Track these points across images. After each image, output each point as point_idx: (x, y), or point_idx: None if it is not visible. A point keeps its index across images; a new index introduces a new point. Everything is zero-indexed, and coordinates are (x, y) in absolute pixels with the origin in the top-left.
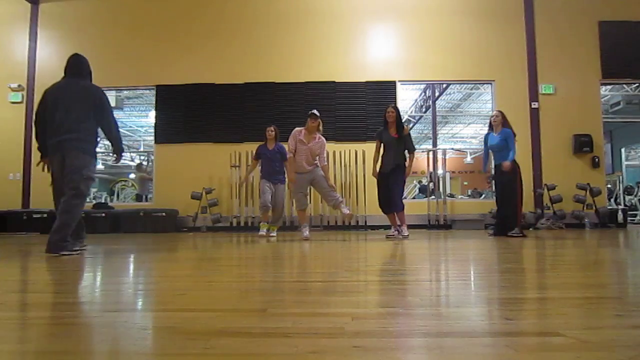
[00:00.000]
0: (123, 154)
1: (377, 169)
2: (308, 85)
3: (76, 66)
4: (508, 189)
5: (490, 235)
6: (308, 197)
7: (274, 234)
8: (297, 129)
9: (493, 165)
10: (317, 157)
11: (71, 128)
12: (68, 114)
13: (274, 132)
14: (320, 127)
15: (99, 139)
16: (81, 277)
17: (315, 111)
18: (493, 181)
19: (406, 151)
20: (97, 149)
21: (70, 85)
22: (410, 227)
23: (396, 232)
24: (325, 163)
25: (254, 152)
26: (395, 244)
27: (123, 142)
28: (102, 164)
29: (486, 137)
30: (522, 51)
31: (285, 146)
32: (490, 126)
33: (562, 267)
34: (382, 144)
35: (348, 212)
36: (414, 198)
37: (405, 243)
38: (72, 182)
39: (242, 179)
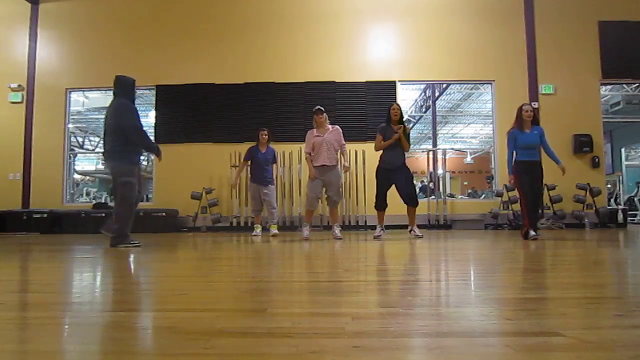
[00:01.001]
0: (159, 152)
1: (381, 162)
2: (308, 85)
3: (115, 86)
4: (541, 190)
5: (534, 238)
6: (319, 200)
7: (276, 232)
8: (309, 130)
9: (513, 162)
10: (341, 147)
11: (107, 141)
12: (106, 129)
13: (267, 136)
14: (327, 120)
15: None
16: (81, 277)
17: (319, 107)
18: (513, 179)
19: None
20: (97, 149)
21: (110, 104)
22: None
23: (382, 231)
24: (346, 150)
25: (244, 152)
26: (394, 243)
27: (149, 142)
28: (102, 163)
29: (515, 135)
30: (522, 51)
31: (274, 149)
32: (520, 123)
33: (562, 267)
34: (383, 138)
35: (339, 236)
36: None
37: (405, 243)
38: (115, 188)
39: (234, 181)
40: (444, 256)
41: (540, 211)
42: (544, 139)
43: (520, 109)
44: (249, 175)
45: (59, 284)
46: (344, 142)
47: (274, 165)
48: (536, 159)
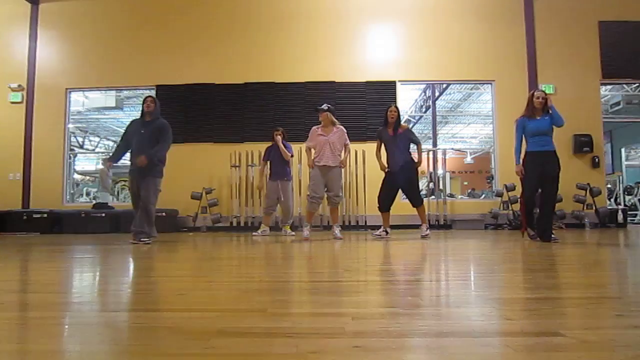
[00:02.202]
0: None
1: (385, 165)
2: (308, 85)
3: None
4: (556, 183)
5: (533, 238)
6: (322, 201)
7: (290, 233)
8: (314, 127)
9: (523, 154)
10: (344, 147)
11: None
12: None
13: (280, 135)
14: (334, 119)
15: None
16: (81, 277)
17: (322, 106)
18: (522, 173)
19: (412, 145)
20: (97, 149)
21: None
22: (410, 227)
23: (384, 232)
24: (349, 149)
25: (263, 153)
26: (394, 243)
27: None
28: (103, 163)
29: (523, 122)
30: (522, 51)
31: (291, 145)
32: (530, 110)
33: (562, 267)
34: (382, 143)
35: (339, 237)
36: None
37: (405, 243)
38: None
39: (259, 182)
40: (444, 256)
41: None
42: (554, 111)
43: (531, 95)
44: (269, 174)
45: (59, 284)
46: (347, 142)
47: (288, 153)
48: (549, 149)
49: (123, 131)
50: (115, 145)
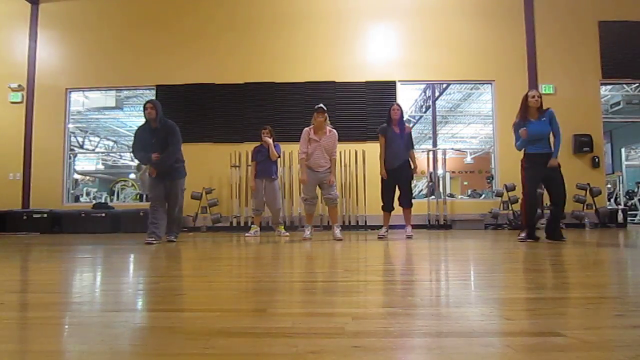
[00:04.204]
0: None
1: (385, 172)
2: (308, 85)
3: None
4: (562, 185)
5: (521, 240)
6: (317, 201)
7: (284, 233)
8: (305, 129)
9: (522, 157)
10: (330, 155)
11: None
12: None
13: (269, 135)
14: (327, 121)
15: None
16: (81, 277)
17: (321, 105)
18: (525, 175)
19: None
20: (97, 149)
21: None
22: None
23: (386, 232)
24: (335, 157)
25: (251, 154)
26: (394, 243)
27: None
28: (102, 163)
29: (520, 126)
30: (522, 51)
31: (280, 145)
32: (524, 112)
33: (562, 267)
34: (385, 140)
35: (340, 237)
36: (413, 198)
37: (405, 243)
38: None
39: (252, 183)
40: (444, 256)
41: (540, 211)
42: (554, 121)
43: (525, 96)
44: (255, 173)
45: (59, 284)
46: (334, 152)
47: (277, 153)
48: (548, 151)
49: (132, 140)
50: (134, 154)
